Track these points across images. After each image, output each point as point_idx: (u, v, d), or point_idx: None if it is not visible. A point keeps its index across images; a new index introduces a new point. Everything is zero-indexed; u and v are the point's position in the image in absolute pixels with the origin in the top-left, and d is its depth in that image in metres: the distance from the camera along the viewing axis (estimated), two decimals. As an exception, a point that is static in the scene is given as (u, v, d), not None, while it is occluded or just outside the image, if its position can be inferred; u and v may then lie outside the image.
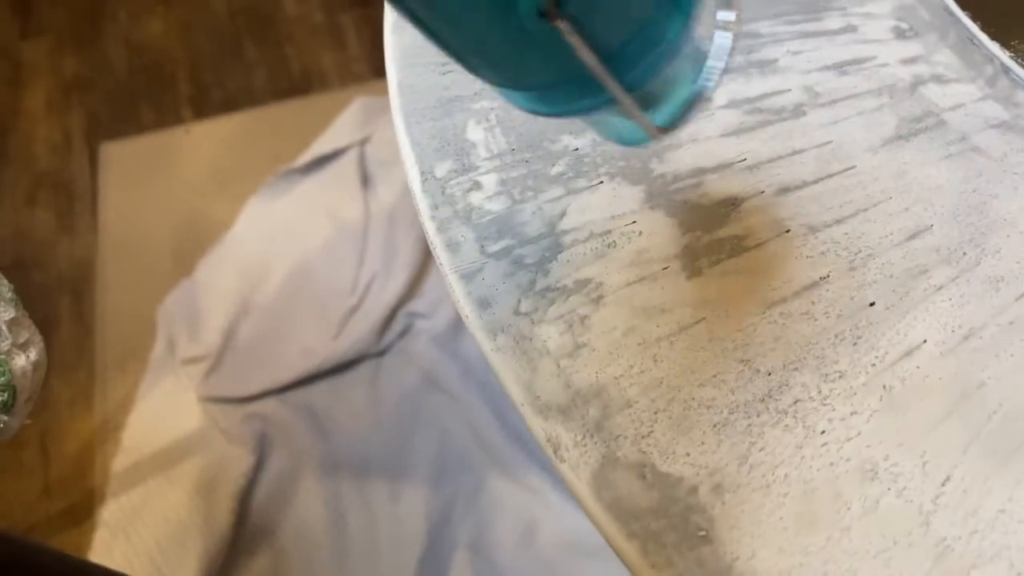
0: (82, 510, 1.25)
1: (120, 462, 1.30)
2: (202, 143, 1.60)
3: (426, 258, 1.44)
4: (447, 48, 0.25)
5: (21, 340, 0.45)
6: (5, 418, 0.41)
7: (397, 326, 1.39)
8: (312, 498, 1.24)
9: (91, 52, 1.75)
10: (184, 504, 1.25)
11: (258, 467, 1.27)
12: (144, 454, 1.30)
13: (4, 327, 0.43)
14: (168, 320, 1.41)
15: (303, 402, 1.32)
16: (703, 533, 0.33)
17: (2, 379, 0.42)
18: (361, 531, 1.21)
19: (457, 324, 1.36)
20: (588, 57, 0.23)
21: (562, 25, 0.22)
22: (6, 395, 0.42)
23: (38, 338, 0.47)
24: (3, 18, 1.80)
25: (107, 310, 1.44)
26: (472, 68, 0.27)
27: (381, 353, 1.37)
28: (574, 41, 0.23)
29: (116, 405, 1.34)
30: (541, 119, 0.38)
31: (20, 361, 0.44)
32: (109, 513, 1.25)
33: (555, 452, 0.35)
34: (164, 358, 1.38)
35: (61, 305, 1.44)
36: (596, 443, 0.35)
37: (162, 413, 1.34)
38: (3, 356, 0.42)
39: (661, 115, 0.30)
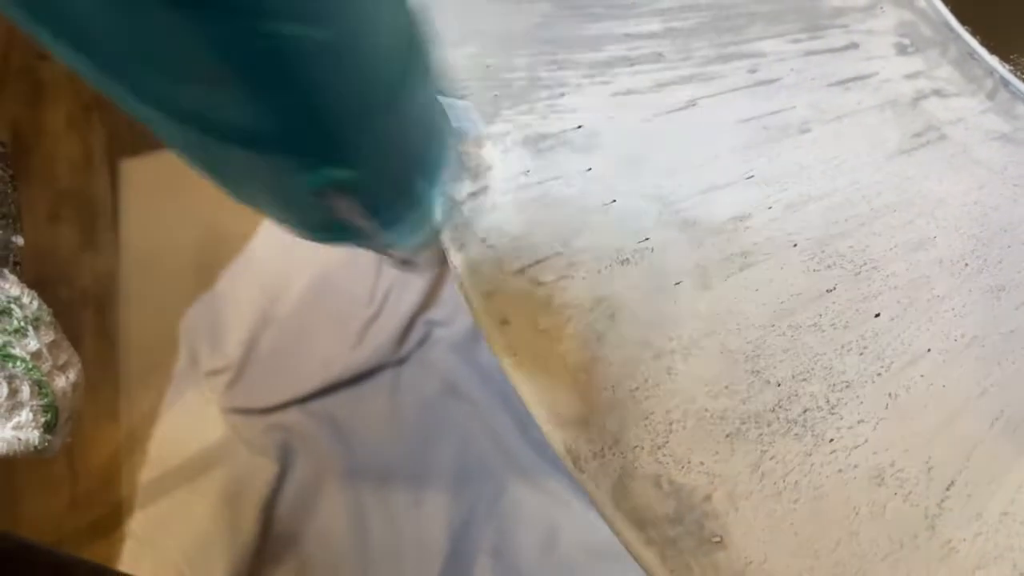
0: (110, 522, 1.26)
1: (146, 474, 1.31)
2: (220, 158, 1.62)
3: (442, 266, 1.45)
4: (222, 184, 0.29)
5: (61, 362, 0.47)
6: (49, 437, 0.43)
7: (416, 335, 1.40)
8: (335, 506, 1.25)
9: (110, 70, 1.78)
10: (210, 514, 1.26)
11: (281, 476, 1.28)
12: (169, 466, 1.32)
13: (45, 349, 0.45)
14: (190, 333, 1.42)
15: (325, 412, 1.33)
16: (718, 539, 0.34)
17: (45, 400, 0.43)
18: (384, 538, 1.22)
19: (475, 332, 1.37)
20: (360, 223, 0.28)
21: (338, 202, 0.27)
22: (49, 415, 0.43)
23: (76, 359, 0.48)
24: (24, 39, 1.82)
25: (130, 324, 1.45)
26: (245, 202, 0.30)
27: (400, 362, 1.38)
28: (346, 211, 0.27)
29: (141, 418, 1.35)
30: None
31: (60, 382, 0.45)
32: (136, 524, 1.26)
33: (575, 464, 0.37)
34: (187, 371, 1.40)
35: (85, 320, 1.45)
36: (614, 454, 0.37)
37: (186, 425, 1.35)
38: (45, 378, 0.44)
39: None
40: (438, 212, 0.33)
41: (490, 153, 0.35)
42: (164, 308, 1.45)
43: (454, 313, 1.41)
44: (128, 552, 1.23)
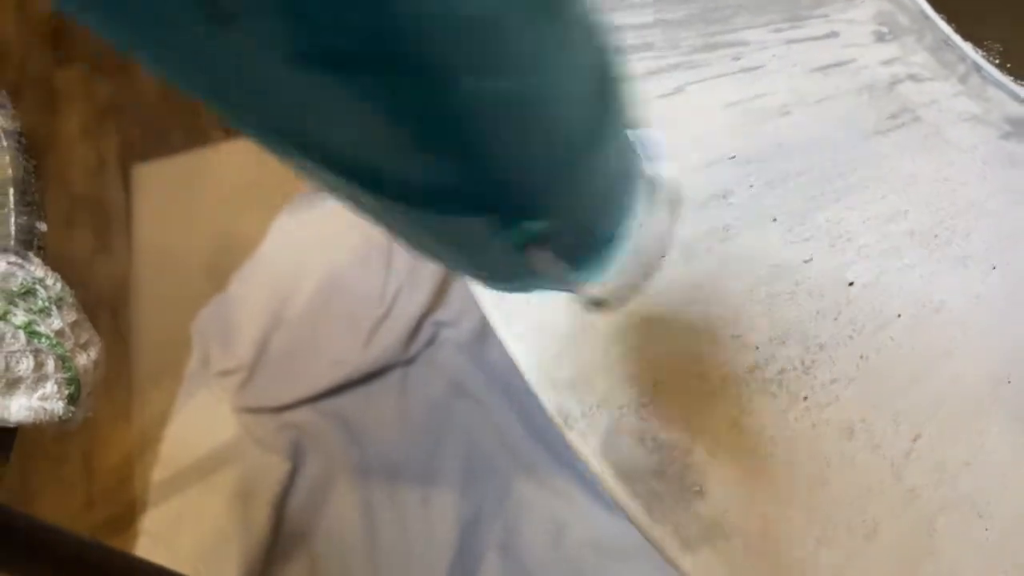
0: (124, 520, 1.28)
1: (159, 473, 1.33)
2: (232, 162, 1.64)
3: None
4: (407, 242, 0.27)
5: (82, 340, 0.49)
6: (72, 409, 0.46)
7: (424, 335, 1.41)
8: (345, 504, 1.27)
9: (123, 78, 1.79)
10: (222, 512, 1.28)
11: (293, 474, 1.29)
12: (182, 465, 1.33)
13: (68, 328, 0.48)
14: (202, 334, 1.44)
15: (335, 411, 1.35)
16: (698, 489, 0.37)
17: (68, 374, 0.46)
18: (393, 535, 1.24)
19: (482, 332, 1.39)
20: (556, 270, 0.27)
21: (535, 254, 0.25)
22: (72, 388, 0.46)
23: (97, 339, 0.51)
24: (39, 48, 1.85)
25: (143, 327, 1.47)
26: (431, 258, 0.29)
27: (409, 362, 1.39)
28: (542, 261, 0.26)
29: (154, 418, 1.37)
30: None
31: (82, 359, 0.48)
32: (150, 522, 1.28)
33: (565, 422, 0.39)
34: (199, 371, 1.41)
35: (99, 322, 1.46)
36: (602, 413, 0.39)
37: (199, 425, 1.36)
38: (68, 354, 0.47)
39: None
40: (630, 248, 0.32)
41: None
42: (176, 310, 1.47)
43: (461, 314, 1.43)
44: (142, 549, 1.25)
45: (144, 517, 1.28)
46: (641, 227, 0.32)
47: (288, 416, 1.35)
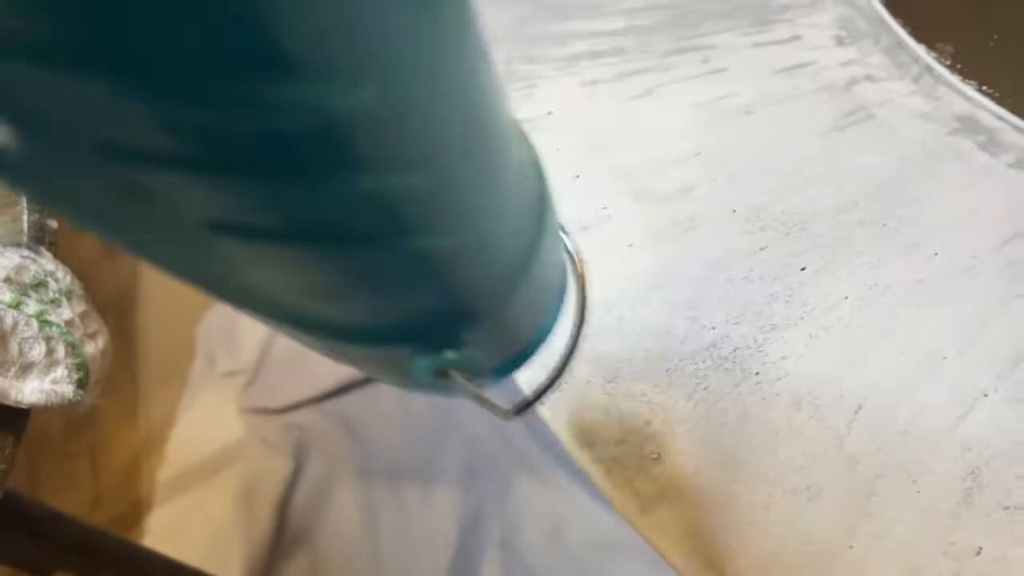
0: (130, 518, 1.30)
1: (165, 473, 1.35)
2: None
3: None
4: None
5: (91, 330, 0.52)
6: (81, 392, 0.49)
7: (425, 336, 1.43)
8: (348, 503, 1.28)
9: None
10: (227, 510, 1.29)
11: (296, 474, 1.30)
12: (188, 464, 1.35)
13: (77, 319, 0.51)
14: (207, 337, 1.46)
15: (338, 411, 1.36)
16: (656, 456, 0.40)
17: (78, 360, 0.49)
18: (395, 534, 1.25)
19: (482, 332, 1.40)
20: (469, 387, 0.25)
21: (456, 378, 0.24)
22: (81, 373, 0.49)
23: (104, 329, 0.54)
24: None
25: (149, 330, 1.49)
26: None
27: (411, 363, 1.41)
28: (460, 380, 0.24)
29: (160, 419, 1.39)
30: None
31: (91, 348, 0.51)
32: (155, 521, 1.30)
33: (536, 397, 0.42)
34: (204, 373, 1.43)
35: (106, 325, 1.49)
36: (570, 388, 0.42)
37: (204, 425, 1.38)
38: (77, 342, 0.50)
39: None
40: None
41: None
42: (182, 313, 1.50)
43: (462, 315, 1.44)
44: (148, 546, 1.27)
45: (150, 516, 1.30)
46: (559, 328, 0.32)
47: (292, 416, 1.37)
